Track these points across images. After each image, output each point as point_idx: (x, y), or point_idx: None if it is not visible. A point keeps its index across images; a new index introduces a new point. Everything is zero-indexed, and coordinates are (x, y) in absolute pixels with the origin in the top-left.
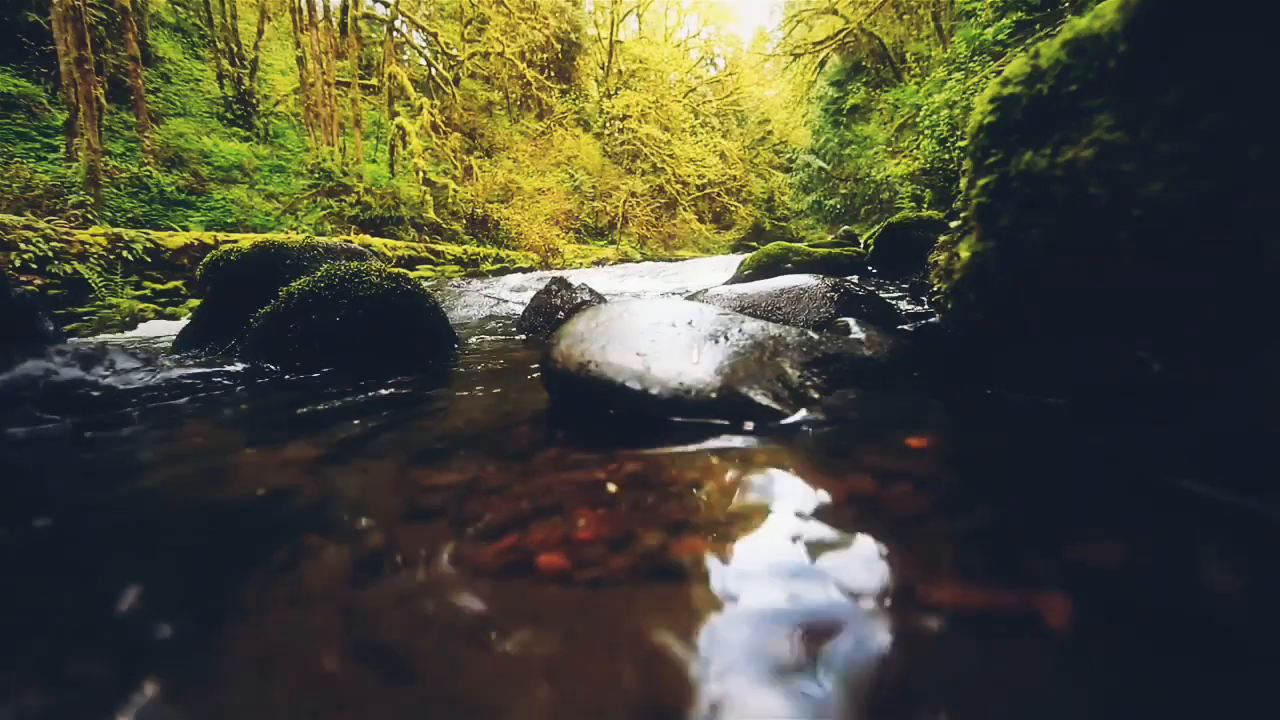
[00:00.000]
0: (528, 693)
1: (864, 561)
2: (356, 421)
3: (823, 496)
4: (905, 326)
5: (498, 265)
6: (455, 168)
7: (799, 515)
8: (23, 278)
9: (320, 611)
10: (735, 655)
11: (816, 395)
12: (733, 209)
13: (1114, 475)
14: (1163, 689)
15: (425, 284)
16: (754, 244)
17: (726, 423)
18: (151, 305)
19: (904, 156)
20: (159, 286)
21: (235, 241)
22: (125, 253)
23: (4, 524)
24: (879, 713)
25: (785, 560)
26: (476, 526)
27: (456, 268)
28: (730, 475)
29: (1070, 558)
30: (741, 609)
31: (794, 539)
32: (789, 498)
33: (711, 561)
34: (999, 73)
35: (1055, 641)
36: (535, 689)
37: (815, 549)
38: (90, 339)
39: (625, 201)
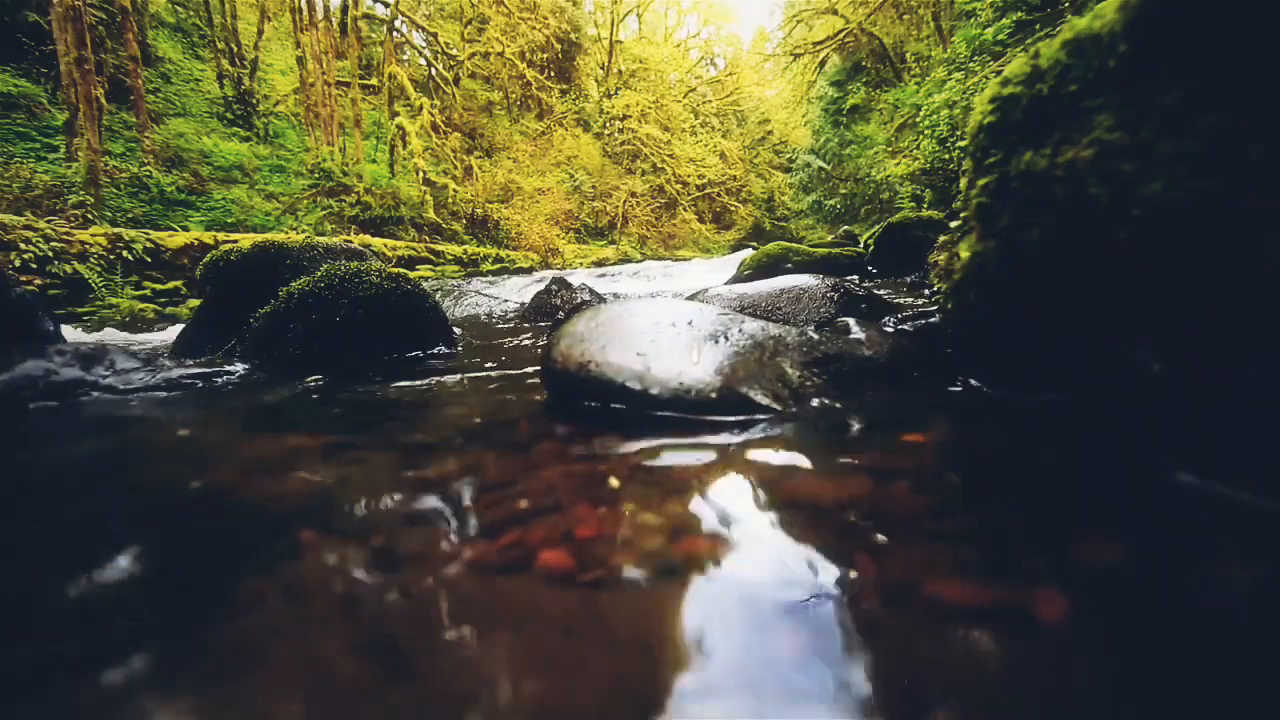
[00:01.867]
0: (527, 688)
1: (865, 560)
2: (356, 420)
3: (823, 495)
4: (905, 326)
5: (498, 265)
6: (455, 168)
7: (799, 514)
8: (23, 278)
9: (318, 605)
10: (735, 651)
11: (816, 394)
12: (733, 209)
13: (1113, 474)
14: (1162, 684)
15: (425, 284)
16: (754, 244)
17: (727, 418)
18: (151, 305)
19: (904, 156)
20: (159, 286)
21: (235, 241)
22: (125, 253)
23: (5, 518)
24: (880, 709)
25: (785, 559)
26: (476, 521)
27: (456, 268)
28: (730, 473)
29: (1070, 556)
30: (741, 605)
31: (793, 538)
32: (789, 496)
33: (712, 559)
34: (999, 73)
35: (1053, 637)
36: (534, 685)
37: (815, 547)
38: (90, 339)
39: (625, 201)
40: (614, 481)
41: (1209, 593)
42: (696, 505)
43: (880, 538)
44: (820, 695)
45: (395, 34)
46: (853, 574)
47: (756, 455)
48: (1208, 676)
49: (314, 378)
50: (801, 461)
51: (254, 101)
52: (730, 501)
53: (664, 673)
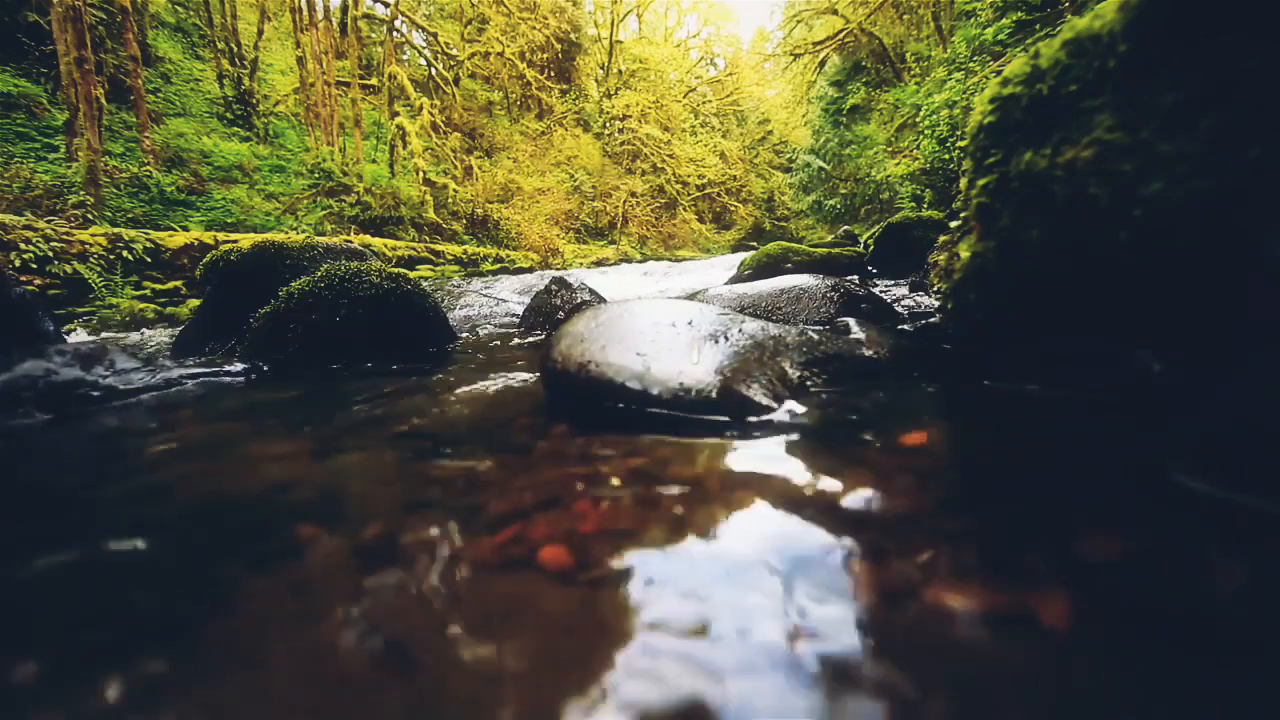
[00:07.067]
0: (528, 685)
1: (864, 557)
2: (355, 418)
3: (821, 491)
4: (905, 326)
5: (498, 265)
6: (455, 168)
7: (798, 511)
8: (23, 278)
9: (318, 602)
10: (734, 650)
11: (816, 394)
12: (733, 209)
13: (1113, 471)
14: (1162, 682)
15: (425, 284)
16: (754, 244)
17: (726, 419)
18: (151, 305)
19: (904, 156)
20: (159, 286)
21: (235, 241)
22: (125, 253)
23: (6, 516)
24: (881, 713)
25: (784, 558)
26: (477, 518)
27: (456, 268)
28: (728, 472)
29: (1072, 552)
30: (741, 602)
31: (794, 535)
32: (785, 494)
33: (712, 556)
34: (999, 73)
35: (1053, 636)
36: (535, 681)
37: (815, 545)
38: (90, 339)
39: (625, 201)
40: (615, 480)
41: (1209, 591)
42: (695, 503)
43: (879, 535)
44: (818, 699)
45: (395, 34)
46: (852, 572)
47: (755, 453)
48: (1208, 673)
49: (314, 377)
50: (800, 459)
51: (254, 101)
52: (727, 499)
53: (660, 672)
